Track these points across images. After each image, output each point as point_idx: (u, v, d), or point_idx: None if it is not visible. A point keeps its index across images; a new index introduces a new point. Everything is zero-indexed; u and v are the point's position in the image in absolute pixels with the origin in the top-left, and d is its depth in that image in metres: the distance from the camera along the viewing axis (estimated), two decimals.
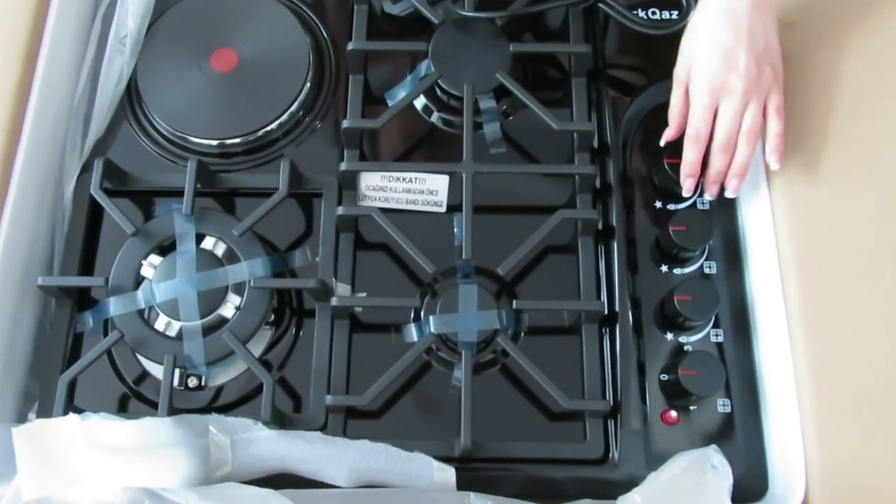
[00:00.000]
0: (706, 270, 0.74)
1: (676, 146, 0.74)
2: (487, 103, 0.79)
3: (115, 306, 0.71)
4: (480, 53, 0.79)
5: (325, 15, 0.87)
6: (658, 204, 0.76)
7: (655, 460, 0.67)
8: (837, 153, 0.72)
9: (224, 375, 0.73)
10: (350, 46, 0.80)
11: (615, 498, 0.63)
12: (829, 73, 0.75)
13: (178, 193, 0.74)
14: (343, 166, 0.76)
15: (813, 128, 0.73)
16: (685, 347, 0.72)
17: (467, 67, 0.79)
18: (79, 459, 0.62)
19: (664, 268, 0.74)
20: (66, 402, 0.69)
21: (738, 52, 0.69)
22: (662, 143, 0.75)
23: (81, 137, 0.81)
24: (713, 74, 0.70)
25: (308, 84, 0.82)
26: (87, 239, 0.77)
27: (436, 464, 0.65)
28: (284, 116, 0.81)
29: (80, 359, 0.71)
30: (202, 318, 0.71)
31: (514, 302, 0.72)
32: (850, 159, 0.72)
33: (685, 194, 0.74)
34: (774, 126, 0.71)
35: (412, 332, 0.72)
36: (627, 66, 0.83)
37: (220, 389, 0.73)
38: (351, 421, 0.71)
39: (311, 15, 0.87)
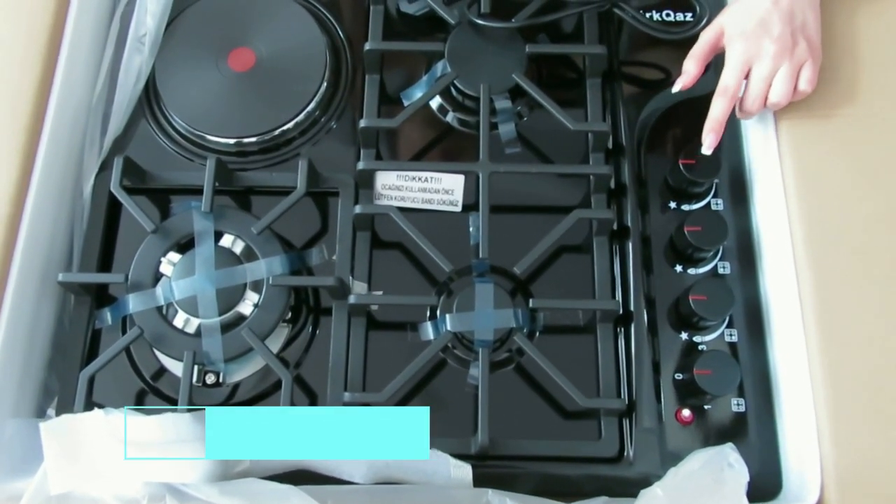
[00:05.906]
0: (720, 270, 0.75)
1: (692, 145, 0.74)
2: (503, 104, 0.79)
3: (134, 303, 0.72)
4: (496, 54, 0.80)
5: (342, 15, 0.88)
6: (673, 204, 0.77)
7: (670, 459, 0.67)
8: (854, 153, 0.73)
9: (241, 372, 0.74)
10: (367, 47, 0.80)
11: (630, 496, 0.63)
12: (849, 75, 0.75)
13: (196, 191, 0.75)
14: (361, 165, 0.77)
15: (829, 127, 0.74)
16: (699, 347, 0.72)
17: (483, 68, 0.79)
18: (103, 454, 0.62)
19: (678, 268, 0.75)
20: (86, 397, 0.70)
21: (774, 20, 0.71)
22: (675, 90, 0.75)
23: (100, 135, 0.81)
24: (748, 36, 0.72)
25: (325, 84, 0.82)
26: (105, 236, 0.78)
27: (453, 461, 0.66)
28: (301, 116, 0.81)
29: (97, 355, 0.72)
30: (220, 315, 0.71)
31: (531, 301, 0.73)
32: (866, 158, 0.72)
33: (705, 151, 0.73)
34: (803, 87, 0.72)
35: (428, 331, 0.73)
36: (642, 66, 0.84)
37: (237, 386, 0.74)
38: None
39: (328, 15, 0.87)
